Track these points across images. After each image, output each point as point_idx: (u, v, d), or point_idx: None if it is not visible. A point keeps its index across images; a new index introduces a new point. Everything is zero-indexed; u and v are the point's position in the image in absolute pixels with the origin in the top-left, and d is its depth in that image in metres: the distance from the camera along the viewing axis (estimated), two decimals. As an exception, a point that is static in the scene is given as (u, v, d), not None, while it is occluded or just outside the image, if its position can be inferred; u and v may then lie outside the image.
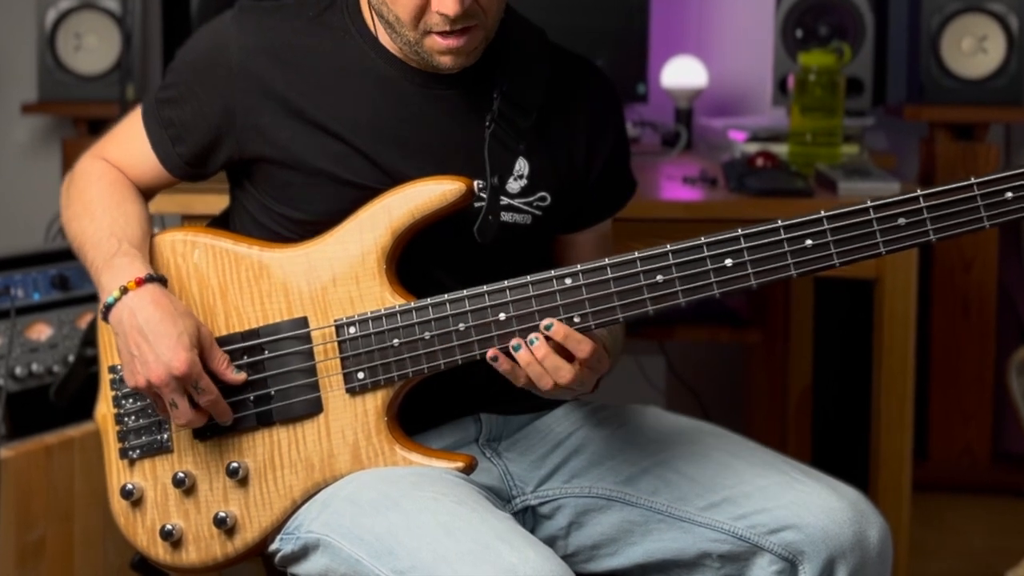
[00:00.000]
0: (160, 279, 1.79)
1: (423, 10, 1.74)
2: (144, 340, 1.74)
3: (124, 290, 1.76)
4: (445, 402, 1.88)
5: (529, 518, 1.92)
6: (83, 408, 2.59)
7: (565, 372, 1.70)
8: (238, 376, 1.80)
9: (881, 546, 1.81)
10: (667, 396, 3.86)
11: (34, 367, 2.59)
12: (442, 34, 1.76)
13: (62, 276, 2.68)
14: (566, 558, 1.90)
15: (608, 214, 2.00)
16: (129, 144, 1.95)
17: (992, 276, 3.76)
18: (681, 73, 3.65)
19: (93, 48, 3.77)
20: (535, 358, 1.70)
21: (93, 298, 2.69)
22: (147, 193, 1.96)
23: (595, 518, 1.90)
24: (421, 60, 1.80)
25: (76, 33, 3.77)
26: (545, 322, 1.70)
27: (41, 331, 2.61)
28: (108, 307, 1.78)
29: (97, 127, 3.79)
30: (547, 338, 1.70)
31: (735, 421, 1.96)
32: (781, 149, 3.11)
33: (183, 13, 3.71)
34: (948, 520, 3.61)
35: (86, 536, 2.55)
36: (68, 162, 3.75)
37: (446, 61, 1.78)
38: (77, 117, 3.84)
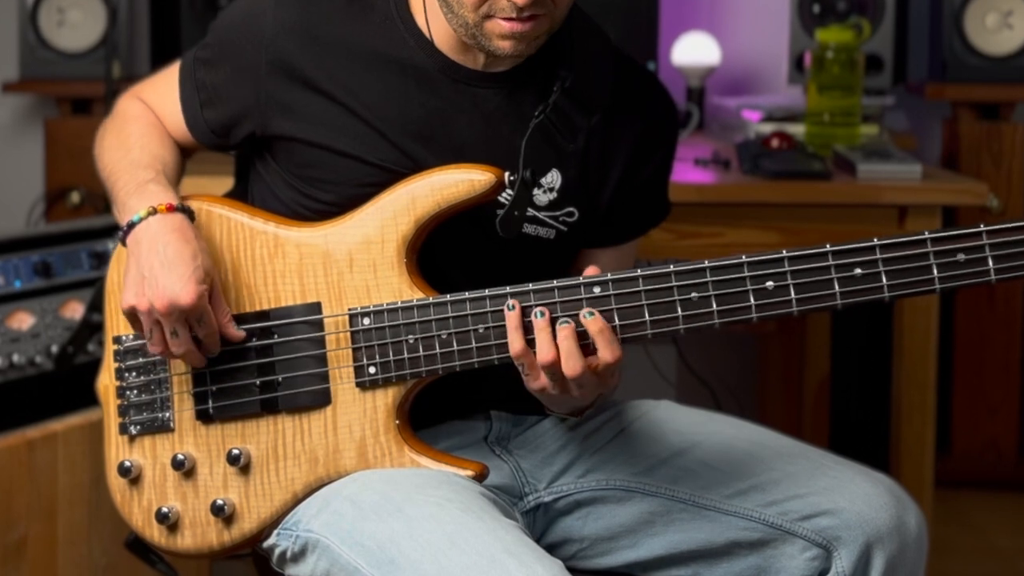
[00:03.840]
0: (190, 212, 1.81)
1: None
2: (160, 264, 1.74)
3: (152, 211, 1.77)
4: (456, 399, 1.88)
5: (542, 515, 1.92)
6: (67, 394, 2.60)
7: (575, 362, 1.67)
8: (238, 332, 1.80)
9: (919, 533, 1.83)
10: (678, 388, 3.86)
11: (15, 358, 2.58)
12: (507, 18, 1.73)
13: (45, 263, 2.67)
14: (582, 552, 1.92)
15: (635, 235, 1.99)
16: (164, 95, 1.97)
17: (1018, 262, 3.75)
18: (693, 50, 3.64)
19: (77, 24, 3.76)
20: (553, 332, 1.67)
21: (78, 285, 2.70)
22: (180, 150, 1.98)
23: (613, 509, 1.90)
24: (477, 43, 1.77)
25: (59, 8, 3.76)
26: (587, 310, 1.67)
27: (23, 320, 2.60)
28: (131, 226, 1.78)
29: (82, 106, 3.79)
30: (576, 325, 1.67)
31: (749, 414, 1.96)
32: (797, 129, 3.10)
33: (171, -13, 3.70)
34: (972, 517, 3.61)
35: (70, 534, 2.55)
36: (51, 143, 3.76)
37: (506, 46, 1.75)
38: (60, 96, 3.83)
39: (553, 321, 1.68)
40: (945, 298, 3.07)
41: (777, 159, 2.76)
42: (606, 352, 1.67)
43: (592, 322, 1.67)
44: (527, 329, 1.69)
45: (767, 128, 3.17)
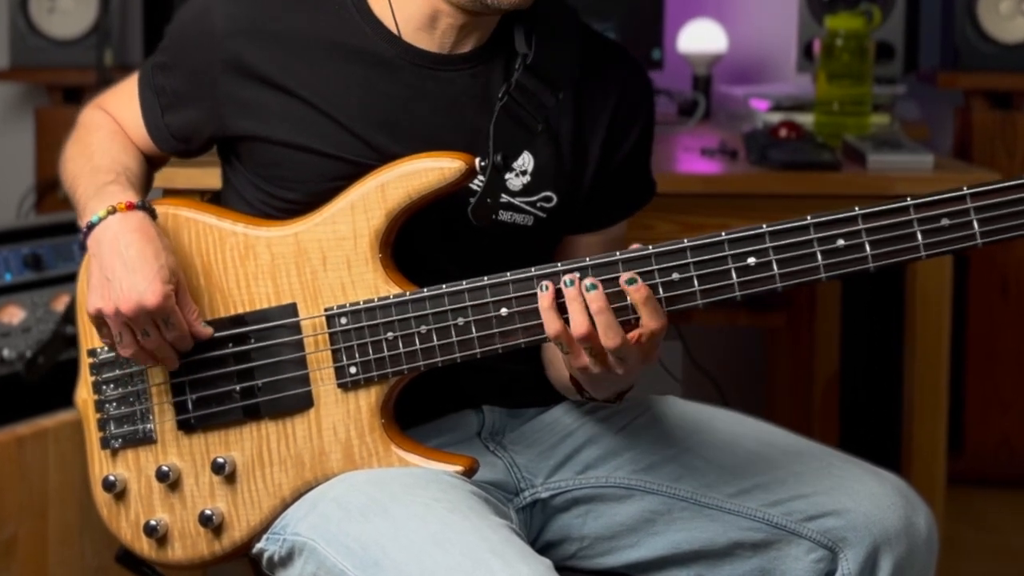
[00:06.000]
0: (151, 211, 1.80)
1: None
2: (123, 265, 1.73)
3: (112, 211, 1.76)
4: (445, 393, 1.87)
5: (539, 512, 1.92)
6: (57, 389, 2.60)
7: (614, 334, 1.63)
8: (206, 330, 1.79)
9: (928, 534, 1.82)
10: (684, 384, 3.85)
11: (5, 353, 2.58)
12: None
13: (35, 255, 2.67)
14: (582, 551, 1.91)
15: (620, 218, 1.97)
16: (125, 105, 1.96)
17: (1033, 254, 3.75)
18: (699, 37, 3.63)
19: (68, 10, 3.76)
20: (584, 302, 1.64)
21: (69, 278, 2.70)
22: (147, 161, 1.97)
23: (613, 508, 1.90)
24: (481, 5, 1.76)
25: (50, -6, 3.76)
26: (627, 275, 1.64)
27: (13, 314, 2.60)
28: (90, 227, 1.77)
29: (73, 95, 3.79)
30: (609, 296, 1.63)
31: (756, 411, 1.95)
32: (806, 119, 3.10)
33: (164, -27, 3.70)
34: (985, 516, 3.61)
35: (61, 533, 2.55)
36: (42, 133, 3.75)
37: None
38: (51, 85, 3.83)
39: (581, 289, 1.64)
40: (957, 291, 3.05)
41: (785, 149, 2.76)
42: (651, 320, 1.64)
43: (636, 290, 1.63)
44: (561, 308, 1.66)
45: (775, 117, 3.17)
